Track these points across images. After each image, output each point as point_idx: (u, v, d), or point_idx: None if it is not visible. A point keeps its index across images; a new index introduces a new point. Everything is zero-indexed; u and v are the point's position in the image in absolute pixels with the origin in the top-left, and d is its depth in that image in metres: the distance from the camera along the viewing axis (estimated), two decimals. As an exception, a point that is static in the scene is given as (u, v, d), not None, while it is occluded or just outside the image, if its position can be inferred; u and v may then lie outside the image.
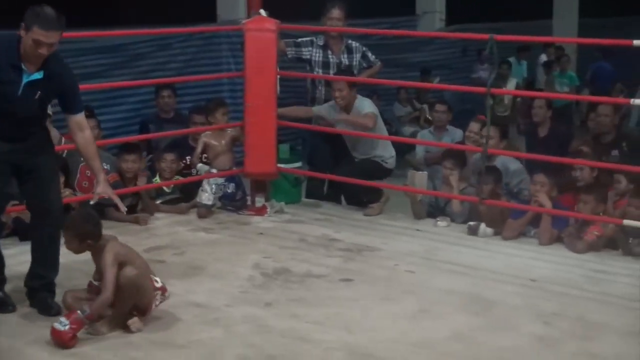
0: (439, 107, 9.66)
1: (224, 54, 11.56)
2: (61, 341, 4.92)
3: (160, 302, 5.29)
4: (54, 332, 4.92)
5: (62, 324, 4.91)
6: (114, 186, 7.38)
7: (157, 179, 7.98)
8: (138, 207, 7.75)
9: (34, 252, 5.58)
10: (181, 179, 8.06)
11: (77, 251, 5.26)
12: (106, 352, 4.88)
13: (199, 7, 12.92)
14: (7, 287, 5.63)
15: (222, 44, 11.52)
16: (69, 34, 7.86)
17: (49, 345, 4.94)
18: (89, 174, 7.39)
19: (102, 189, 5.44)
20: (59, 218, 5.48)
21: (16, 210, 6.56)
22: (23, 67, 5.18)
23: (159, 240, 7.03)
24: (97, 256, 5.18)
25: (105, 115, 9.95)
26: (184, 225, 7.41)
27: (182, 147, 8.34)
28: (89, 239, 5.14)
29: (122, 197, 7.54)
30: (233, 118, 8.49)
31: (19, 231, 6.85)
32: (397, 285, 6.07)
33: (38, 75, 5.21)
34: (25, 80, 5.18)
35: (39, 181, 5.42)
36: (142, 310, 5.19)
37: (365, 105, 8.06)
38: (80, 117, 5.47)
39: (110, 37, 10.18)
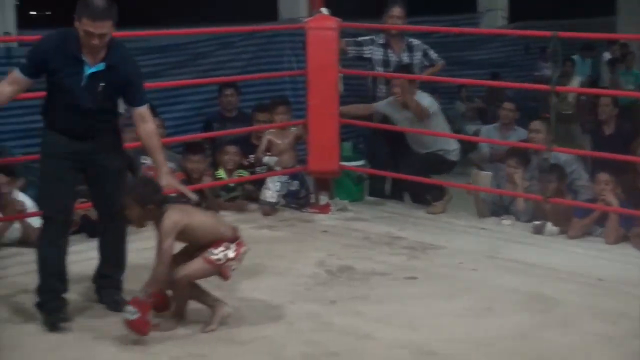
0: (507, 105, 9.59)
1: (285, 52, 11.59)
2: (137, 329, 4.91)
3: (237, 265, 5.20)
4: (127, 323, 4.90)
5: (131, 313, 4.90)
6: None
7: (219, 172, 8.05)
8: (202, 206, 7.82)
9: (101, 251, 5.63)
10: (244, 176, 8.12)
11: (139, 220, 5.12)
12: (173, 348, 4.93)
13: (261, 5, 12.99)
14: (74, 285, 5.71)
15: (283, 42, 11.55)
16: (131, 32, 8.01)
17: (117, 340, 5.01)
18: (151, 175, 7.48)
19: (167, 181, 5.36)
20: (124, 220, 5.46)
21: (84, 207, 6.67)
22: (84, 59, 5.18)
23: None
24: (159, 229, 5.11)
25: (167, 114, 10.03)
26: (248, 223, 7.42)
27: (244, 145, 8.39)
28: (149, 204, 5.01)
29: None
30: (295, 116, 8.53)
31: (87, 228, 6.96)
32: (461, 283, 6.05)
33: (100, 67, 5.20)
34: (87, 72, 5.19)
35: (106, 182, 5.44)
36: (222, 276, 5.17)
37: (425, 100, 8.05)
38: (143, 110, 5.40)
39: (172, 36, 10.28)
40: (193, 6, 13.18)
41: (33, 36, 6.07)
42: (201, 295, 5.23)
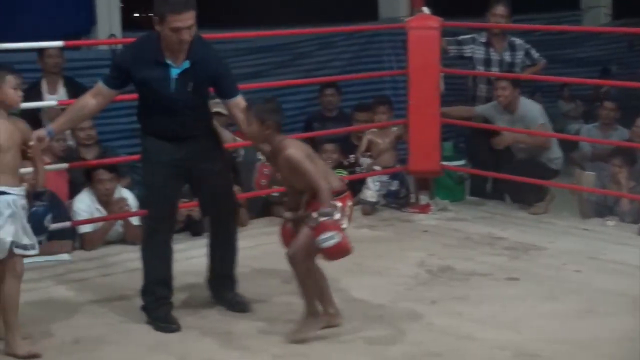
0: (607, 104, 9.46)
1: (385, 52, 11.60)
2: (345, 249, 4.76)
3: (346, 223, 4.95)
4: (335, 248, 4.72)
5: (332, 237, 4.68)
6: (280, 184, 7.57)
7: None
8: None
9: (211, 252, 5.63)
10: (343, 176, 8.15)
11: (257, 137, 5.00)
12: (274, 347, 4.97)
13: (361, 5, 13.01)
14: (178, 282, 5.83)
15: (383, 42, 11.56)
16: (233, 34, 8.11)
17: (219, 338, 5.10)
18: (267, 172, 7.57)
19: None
20: (232, 219, 5.57)
21: (187, 207, 6.79)
22: (168, 61, 5.14)
23: (324, 237, 7.10)
24: (276, 157, 4.99)
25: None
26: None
27: (345, 145, 8.43)
28: (268, 122, 4.90)
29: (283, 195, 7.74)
30: (395, 116, 8.54)
31: (191, 227, 7.08)
32: (563, 284, 5.98)
33: (185, 65, 5.15)
34: (173, 74, 5.14)
35: (210, 184, 5.44)
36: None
37: (534, 111, 8.01)
38: (238, 100, 5.34)
39: (274, 37, 10.36)
40: (294, 7, 13.26)
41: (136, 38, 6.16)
42: (323, 295, 5.14)
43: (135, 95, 5.49)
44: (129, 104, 7.27)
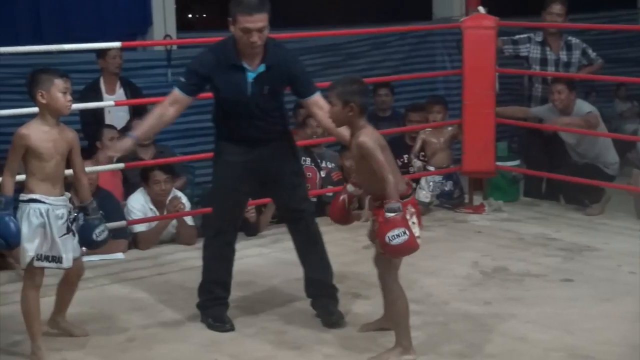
0: None
1: (438, 52, 11.59)
2: (412, 246, 4.59)
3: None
4: (403, 246, 4.54)
5: (399, 235, 4.50)
6: (338, 183, 7.61)
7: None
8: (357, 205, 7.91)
9: (301, 258, 5.52)
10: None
11: (339, 119, 4.79)
12: (326, 347, 4.99)
13: (415, 5, 13.00)
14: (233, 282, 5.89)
15: (436, 42, 11.55)
16: (287, 34, 8.15)
17: (272, 337, 5.14)
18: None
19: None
20: (312, 220, 5.46)
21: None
22: (244, 65, 5.14)
23: (376, 236, 7.11)
24: (353, 139, 4.77)
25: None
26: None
27: (398, 145, 8.42)
28: (352, 102, 4.67)
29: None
30: (449, 116, 8.53)
31: (245, 228, 7.11)
32: (618, 286, 5.93)
33: (261, 69, 5.15)
34: (250, 78, 5.14)
35: (285, 187, 5.40)
36: None
37: (585, 108, 7.93)
38: (316, 97, 5.30)
39: (326, 37, 10.38)
40: (348, 7, 13.27)
41: (191, 39, 6.21)
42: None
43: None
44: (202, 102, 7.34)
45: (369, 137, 4.66)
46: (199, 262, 6.18)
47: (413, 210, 4.74)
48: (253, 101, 5.17)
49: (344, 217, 5.07)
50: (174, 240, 7.20)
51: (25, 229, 4.66)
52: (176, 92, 5.27)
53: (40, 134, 4.69)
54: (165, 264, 6.66)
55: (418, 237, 4.67)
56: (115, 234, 6.71)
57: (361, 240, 6.90)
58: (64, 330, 5.08)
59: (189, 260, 6.63)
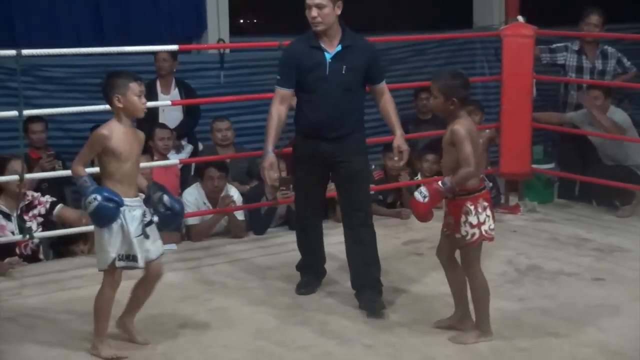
0: None
1: (477, 59, 11.53)
2: (417, 213, 4.76)
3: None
4: (413, 204, 4.76)
5: (422, 194, 4.70)
6: (378, 183, 7.61)
7: (418, 177, 8.08)
8: (398, 203, 7.91)
9: (350, 254, 5.58)
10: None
11: (439, 110, 4.81)
12: (365, 338, 5.01)
13: (456, 13, 12.96)
14: (276, 273, 5.96)
15: (475, 49, 11.50)
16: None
17: (315, 326, 5.15)
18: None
19: (399, 142, 5.54)
20: (367, 218, 5.52)
21: (286, 202, 6.87)
22: (322, 45, 5.36)
23: (416, 234, 7.10)
24: (449, 126, 4.79)
25: (367, 116, 10.14)
26: (440, 221, 7.41)
27: (438, 147, 8.38)
28: (454, 96, 4.71)
29: (386, 193, 7.76)
30: (485, 120, 8.51)
31: (290, 222, 7.15)
32: (648, 286, 5.90)
33: (338, 49, 5.37)
34: (328, 58, 5.36)
35: (351, 184, 5.49)
36: None
37: (619, 119, 7.89)
38: (383, 85, 5.61)
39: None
40: (391, 14, 13.29)
41: (243, 43, 6.23)
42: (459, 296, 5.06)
43: (261, 95, 5.58)
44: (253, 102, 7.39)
45: (463, 126, 4.69)
46: (247, 254, 6.27)
47: (486, 204, 4.81)
48: (330, 82, 5.35)
49: (431, 213, 4.84)
50: (224, 233, 7.24)
51: (105, 231, 4.63)
52: (278, 90, 5.49)
53: (120, 135, 4.66)
54: (216, 256, 6.69)
55: (492, 229, 4.82)
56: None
57: (400, 237, 6.96)
58: (128, 334, 4.99)
59: (237, 252, 6.69)
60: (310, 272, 5.84)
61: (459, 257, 4.94)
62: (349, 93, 5.41)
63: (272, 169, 5.40)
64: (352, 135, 5.50)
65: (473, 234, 4.78)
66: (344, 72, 5.35)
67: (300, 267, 5.90)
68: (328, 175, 5.63)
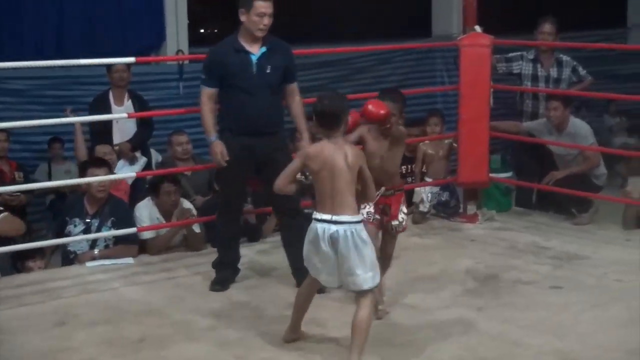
0: None
1: (437, 68, 11.60)
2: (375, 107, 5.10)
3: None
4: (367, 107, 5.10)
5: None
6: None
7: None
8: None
9: (289, 248, 5.93)
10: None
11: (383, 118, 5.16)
12: (326, 351, 4.98)
13: (415, 23, 13.02)
14: (235, 284, 5.97)
15: (436, 58, 11.56)
16: (299, 50, 8.17)
17: (277, 339, 5.11)
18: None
19: (306, 145, 5.65)
20: (298, 207, 5.89)
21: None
22: (247, 48, 5.74)
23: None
24: (392, 129, 5.27)
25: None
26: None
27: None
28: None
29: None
30: (446, 129, 8.54)
31: (248, 233, 7.10)
32: (606, 293, 5.91)
33: (263, 50, 5.76)
34: (254, 58, 5.74)
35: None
36: None
37: (583, 130, 7.94)
38: (295, 85, 5.99)
39: (335, 53, 10.41)
40: (354, 24, 13.32)
41: (202, 54, 6.27)
42: None
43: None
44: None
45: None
46: (205, 267, 6.23)
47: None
48: (257, 81, 5.71)
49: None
50: (182, 245, 7.19)
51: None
52: (206, 89, 5.86)
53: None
54: (175, 269, 6.64)
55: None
56: (126, 239, 6.75)
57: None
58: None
59: (196, 265, 6.64)
60: (228, 269, 6.07)
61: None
62: (274, 91, 5.84)
63: (223, 152, 5.76)
64: (279, 133, 5.95)
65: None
66: (268, 71, 5.76)
67: (217, 264, 6.13)
68: (252, 172, 5.89)
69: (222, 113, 5.94)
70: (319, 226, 4.58)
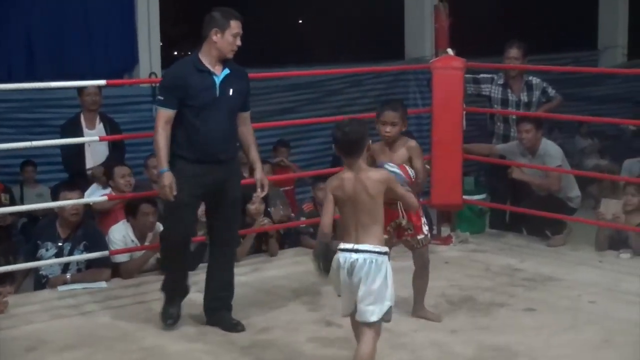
0: None
1: (410, 90, 11.64)
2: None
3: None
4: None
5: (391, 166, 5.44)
6: (310, 215, 7.59)
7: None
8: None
9: (211, 276, 5.81)
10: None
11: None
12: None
13: (388, 46, 13.06)
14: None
15: (409, 80, 11.59)
16: (271, 73, 8.20)
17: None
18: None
19: (261, 176, 5.69)
20: (237, 243, 5.96)
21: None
22: (211, 69, 5.48)
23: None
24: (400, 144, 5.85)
25: (301, 147, 10.16)
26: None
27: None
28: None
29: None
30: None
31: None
32: (580, 315, 5.92)
33: (226, 72, 5.50)
34: (217, 80, 5.48)
35: (227, 209, 5.66)
36: None
37: (553, 152, 7.95)
38: (247, 114, 5.77)
39: (306, 75, 10.41)
40: (326, 47, 13.37)
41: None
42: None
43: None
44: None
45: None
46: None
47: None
48: (219, 103, 5.47)
49: None
50: (155, 269, 7.12)
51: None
52: (164, 112, 5.47)
53: None
54: (148, 293, 6.56)
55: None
56: (99, 263, 6.69)
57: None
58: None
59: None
60: (178, 301, 5.84)
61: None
62: (233, 116, 5.62)
63: (172, 186, 5.41)
64: (235, 159, 5.74)
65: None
66: (231, 94, 5.52)
67: (170, 296, 5.83)
68: (203, 199, 5.70)
69: (174, 138, 5.50)
70: (342, 255, 4.52)
